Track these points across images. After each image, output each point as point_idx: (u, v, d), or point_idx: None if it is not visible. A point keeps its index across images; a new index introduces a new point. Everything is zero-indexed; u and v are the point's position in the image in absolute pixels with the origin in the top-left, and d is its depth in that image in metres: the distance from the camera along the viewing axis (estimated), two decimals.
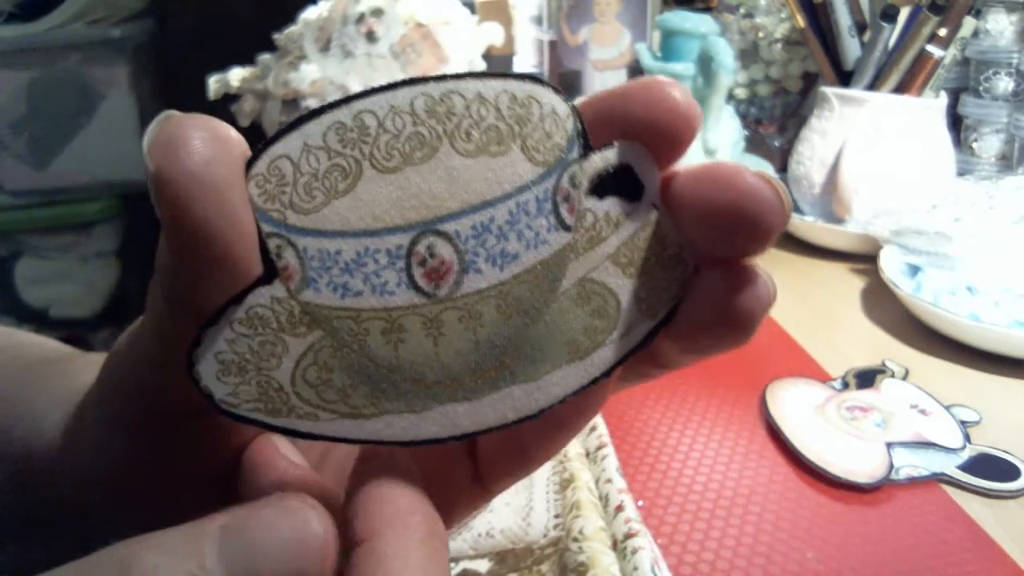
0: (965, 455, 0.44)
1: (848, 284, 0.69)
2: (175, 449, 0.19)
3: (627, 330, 0.17)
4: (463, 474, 0.20)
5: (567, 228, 0.16)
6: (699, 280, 0.17)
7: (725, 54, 0.74)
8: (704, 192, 0.16)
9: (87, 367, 0.23)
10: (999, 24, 0.76)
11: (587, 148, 0.16)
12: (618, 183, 0.16)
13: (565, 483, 0.39)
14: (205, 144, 0.14)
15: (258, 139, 0.15)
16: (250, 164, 0.15)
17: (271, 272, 0.15)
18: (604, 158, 0.16)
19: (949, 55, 0.69)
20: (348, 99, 0.15)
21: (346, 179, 0.15)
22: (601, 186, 0.16)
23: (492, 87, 0.15)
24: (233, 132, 0.15)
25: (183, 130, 0.14)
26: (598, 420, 0.45)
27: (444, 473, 0.20)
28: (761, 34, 0.90)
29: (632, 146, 0.16)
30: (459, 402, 0.16)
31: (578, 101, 0.16)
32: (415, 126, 0.15)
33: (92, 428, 0.20)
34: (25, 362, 0.26)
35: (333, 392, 0.16)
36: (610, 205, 0.16)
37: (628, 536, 0.35)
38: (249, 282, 0.15)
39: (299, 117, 0.15)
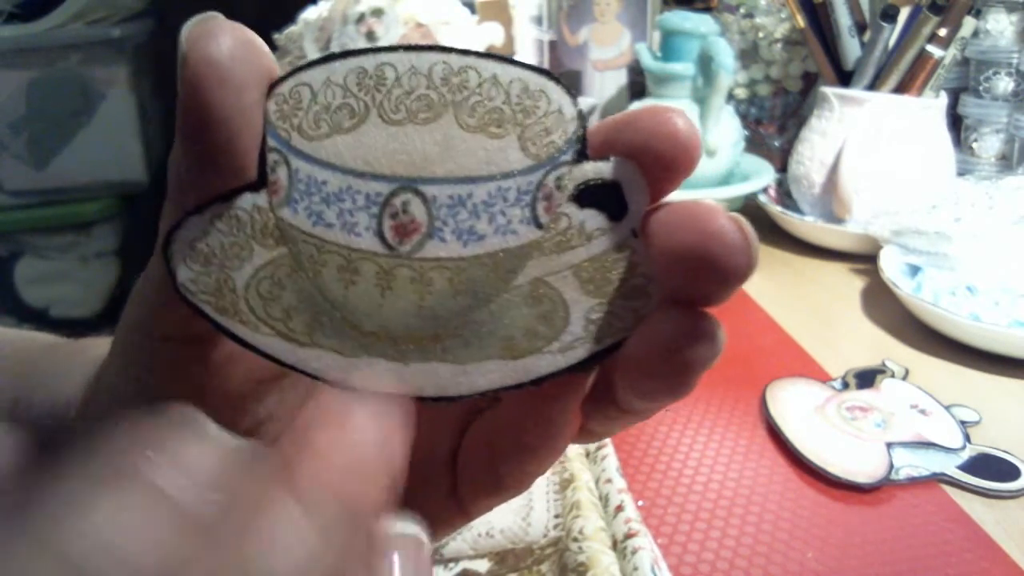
0: (965, 455, 0.44)
1: (848, 284, 0.69)
2: (183, 376, 0.19)
3: (567, 347, 0.17)
4: (439, 488, 0.20)
5: (539, 225, 0.16)
6: (653, 316, 0.16)
7: (725, 54, 0.74)
8: (673, 226, 0.16)
9: (103, 344, 0.24)
10: (999, 24, 0.76)
11: (582, 155, 0.16)
12: (603, 198, 0.16)
13: (565, 483, 0.39)
14: (233, 43, 0.15)
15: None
16: (277, 83, 0.16)
17: (262, 181, 0.16)
18: (596, 169, 0.16)
19: (949, 55, 0.69)
20: (377, 49, 0.16)
21: (352, 119, 0.16)
22: (585, 195, 0.16)
23: (508, 72, 0.16)
24: (263, 46, 0.16)
25: (217, 27, 0.15)
26: None
27: (420, 483, 0.20)
28: (761, 34, 0.90)
29: (628, 166, 0.16)
30: (387, 359, 0.17)
31: (591, 121, 0.16)
32: (427, 89, 0.16)
33: (109, 368, 0.20)
34: (37, 347, 0.26)
35: (278, 310, 0.17)
36: (588, 216, 0.16)
37: (628, 536, 0.35)
38: (240, 184, 0.16)
39: (331, 54, 0.16)
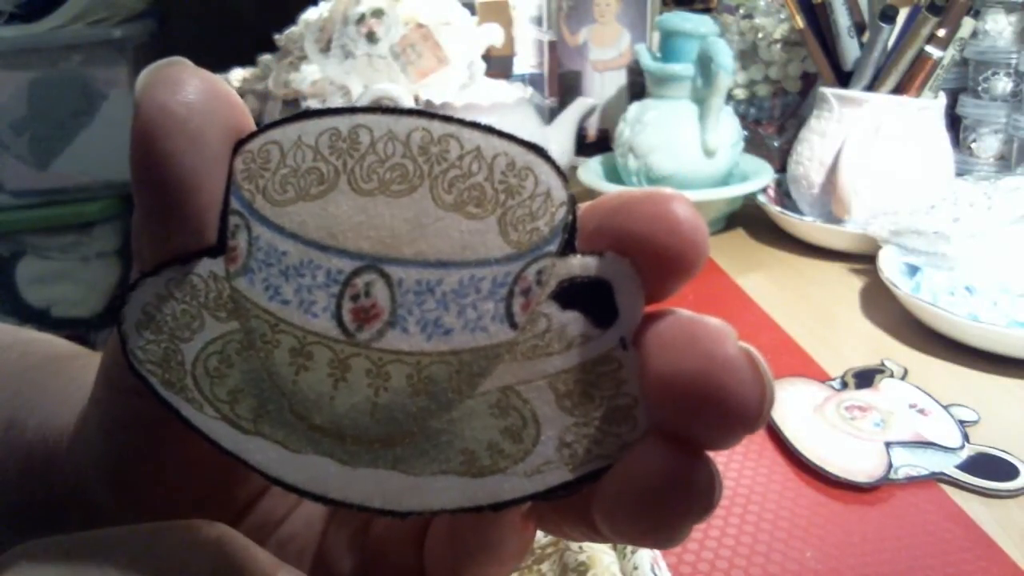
0: (964, 455, 0.44)
1: (847, 284, 0.69)
2: (147, 434, 0.18)
3: (535, 470, 0.14)
4: (408, 572, 0.19)
5: (513, 325, 0.14)
6: (638, 449, 0.14)
7: (724, 55, 0.74)
8: (671, 345, 0.13)
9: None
10: (998, 25, 0.76)
11: (570, 246, 0.14)
12: (589, 299, 0.14)
13: None
14: (194, 91, 0.14)
15: None
16: (247, 139, 0.15)
17: (221, 247, 0.15)
18: (584, 265, 0.14)
19: (948, 56, 0.69)
20: (354, 109, 0.14)
21: (320, 185, 0.14)
22: (569, 294, 0.14)
23: (493, 145, 0.14)
24: (231, 95, 0.15)
25: (178, 73, 0.14)
26: None
27: (389, 564, 0.19)
28: (760, 35, 0.90)
29: (621, 264, 0.14)
30: (334, 460, 0.15)
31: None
32: (403, 157, 0.14)
33: (88, 411, 0.20)
34: (35, 360, 0.26)
35: (224, 391, 0.15)
36: (571, 320, 0.14)
37: None
38: (198, 247, 0.15)
39: (305, 111, 0.15)
